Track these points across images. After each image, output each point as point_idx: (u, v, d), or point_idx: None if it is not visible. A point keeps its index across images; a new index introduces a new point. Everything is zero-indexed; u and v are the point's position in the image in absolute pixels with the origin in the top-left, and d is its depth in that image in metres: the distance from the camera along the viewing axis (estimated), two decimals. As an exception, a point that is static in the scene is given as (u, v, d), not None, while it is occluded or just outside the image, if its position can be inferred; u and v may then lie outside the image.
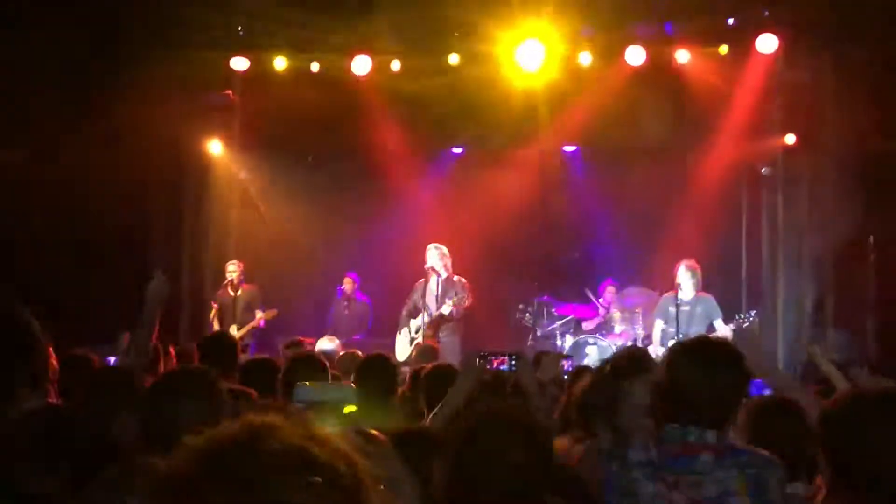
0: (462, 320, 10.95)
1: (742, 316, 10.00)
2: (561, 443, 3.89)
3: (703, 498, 2.91)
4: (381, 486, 2.02)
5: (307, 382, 1.97)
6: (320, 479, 1.20)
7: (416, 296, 11.01)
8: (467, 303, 10.75)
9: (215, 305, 11.26)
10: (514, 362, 4.48)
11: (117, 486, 2.82)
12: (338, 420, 1.86)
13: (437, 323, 10.83)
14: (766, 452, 3.02)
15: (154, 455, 2.69)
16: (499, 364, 4.46)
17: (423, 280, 10.98)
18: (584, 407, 3.90)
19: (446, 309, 10.67)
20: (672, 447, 3.01)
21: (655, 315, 10.52)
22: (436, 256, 10.92)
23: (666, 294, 10.43)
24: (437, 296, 10.89)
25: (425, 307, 10.87)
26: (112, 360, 6.79)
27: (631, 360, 3.70)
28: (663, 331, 10.29)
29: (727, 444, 3.02)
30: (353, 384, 1.99)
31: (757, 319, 10.17)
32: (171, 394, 3.15)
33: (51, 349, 4.01)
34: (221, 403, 3.12)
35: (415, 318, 10.94)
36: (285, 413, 1.28)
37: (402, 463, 2.06)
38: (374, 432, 2.13)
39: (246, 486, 1.18)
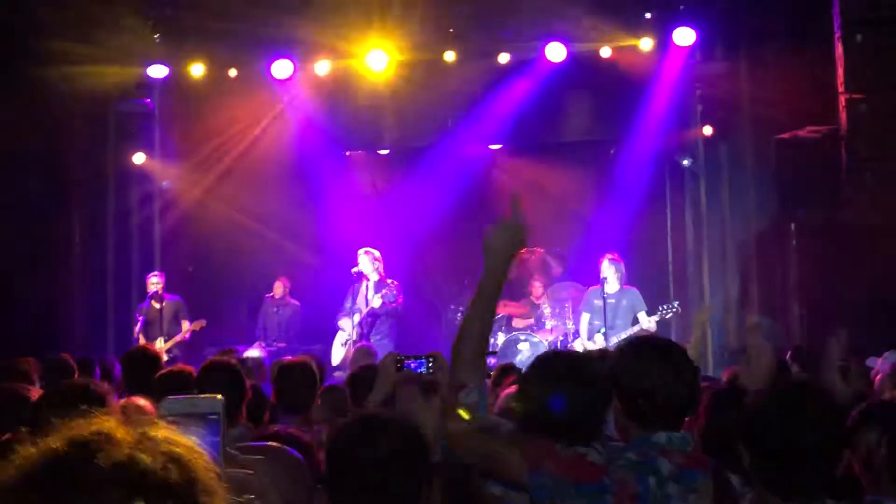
0: (394, 320, 10.95)
1: (665, 307, 10.12)
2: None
3: None
4: (249, 495, 2.00)
5: (174, 396, 1.94)
6: (146, 496, 1.17)
7: (349, 300, 10.99)
8: (398, 299, 10.75)
9: (140, 318, 11.09)
10: (430, 364, 4.44)
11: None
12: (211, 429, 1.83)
13: (370, 323, 10.82)
14: None
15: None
16: (416, 366, 4.43)
17: (355, 284, 10.96)
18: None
19: (377, 302, 10.68)
20: (678, 457, 2.90)
21: (581, 308, 10.62)
22: (367, 261, 10.92)
23: (591, 288, 10.52)
24: (367, 298, 10.89)
25: (357, 310, 10.85)
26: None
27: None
28: (590, 324, 10.38)
29: None
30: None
31: (679, 310, 10.27)
32: (59, 408, 3.08)
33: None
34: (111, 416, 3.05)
35: (349, 319, 10.92)
36: (122, 416, 1.26)
37: (267, 474, 2.03)
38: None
39: None
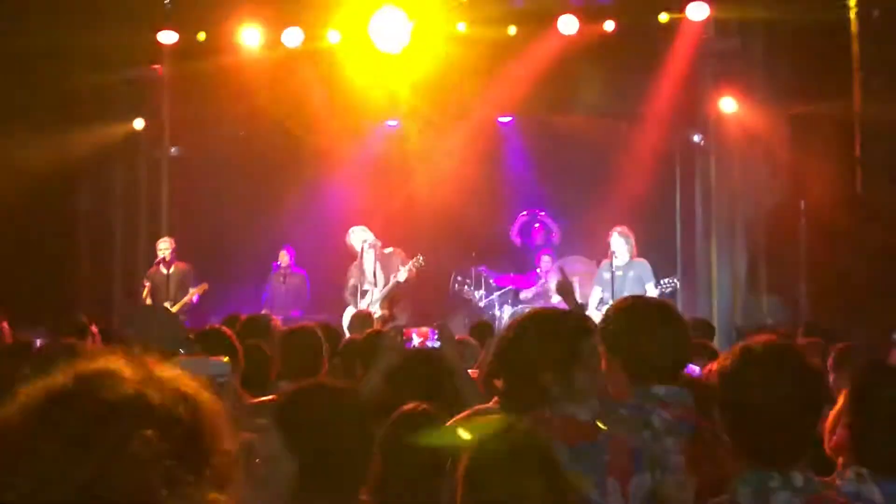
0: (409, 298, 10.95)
1: (666, 282, 10.06)
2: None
3: None
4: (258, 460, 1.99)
5: (182, 357, 1.95)
6: (155, 429, 1.16)
7: (353, 278, 10.93)
8: (419, 266, 10.66)
9: (147, 284, 11.08)
10: (437, 335, 4.43)
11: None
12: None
13: (394, 296, 10.75)
14: None
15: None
16: (422, 338, 4.41)
17: (357, 261, 10.91)
18: None
19: (402, 275, 10.62)
20: (676, 409, 2.90)
21: (594, 282, 10.56)
22: (358, 240, 10.87)
23: (603, 261, 10.47)
24: (374, 271, 10.82)
25: (367, 283, 10.80)
26: (39, 341, 6.67)
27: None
28: (601, 298, 10.35)
29: None
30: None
31: (677, 284, 10.20)
32: (46, 365, 3.07)
33: None
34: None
35: (357, 296, 10.85)
36: (126, 356, 1.24)
37: (281, 440, 2.03)
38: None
39: (78, 439, 1.14)
